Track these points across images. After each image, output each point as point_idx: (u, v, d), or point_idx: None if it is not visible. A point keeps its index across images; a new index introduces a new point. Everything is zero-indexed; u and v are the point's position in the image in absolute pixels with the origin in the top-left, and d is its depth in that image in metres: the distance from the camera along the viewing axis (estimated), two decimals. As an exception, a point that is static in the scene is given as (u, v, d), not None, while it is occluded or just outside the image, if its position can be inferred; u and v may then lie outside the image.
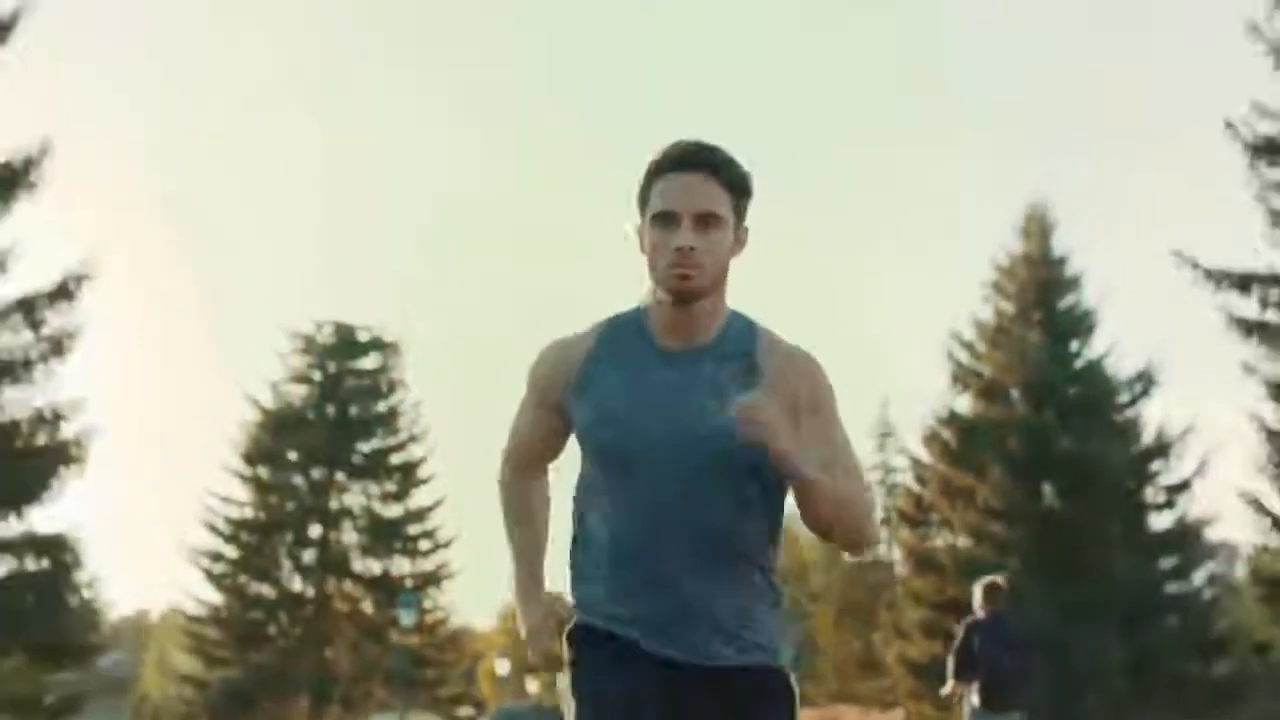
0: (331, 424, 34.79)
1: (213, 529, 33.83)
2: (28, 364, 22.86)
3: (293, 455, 34.68)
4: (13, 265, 22.91)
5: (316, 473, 34.65)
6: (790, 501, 2.62)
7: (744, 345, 2.59)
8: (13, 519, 22.79)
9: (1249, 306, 23.94)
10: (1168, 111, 75.85)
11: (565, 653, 2.65)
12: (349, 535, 34.75)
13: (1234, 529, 43.55)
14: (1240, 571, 33.71)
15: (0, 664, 22.43)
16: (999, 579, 10.12)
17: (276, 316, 63.74)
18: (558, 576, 2.76)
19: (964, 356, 29.69)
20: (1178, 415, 35.34)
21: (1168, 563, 28.15)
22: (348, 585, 34.70)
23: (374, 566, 34.76)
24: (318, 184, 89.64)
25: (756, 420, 2.41)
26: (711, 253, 2.53)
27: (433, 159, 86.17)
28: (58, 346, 23.00)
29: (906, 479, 33.85)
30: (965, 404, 29.68)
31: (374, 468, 35.00)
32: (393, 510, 35.08)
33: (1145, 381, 28.56)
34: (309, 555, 34.35)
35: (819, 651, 38.66)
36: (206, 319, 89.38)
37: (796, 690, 2.67)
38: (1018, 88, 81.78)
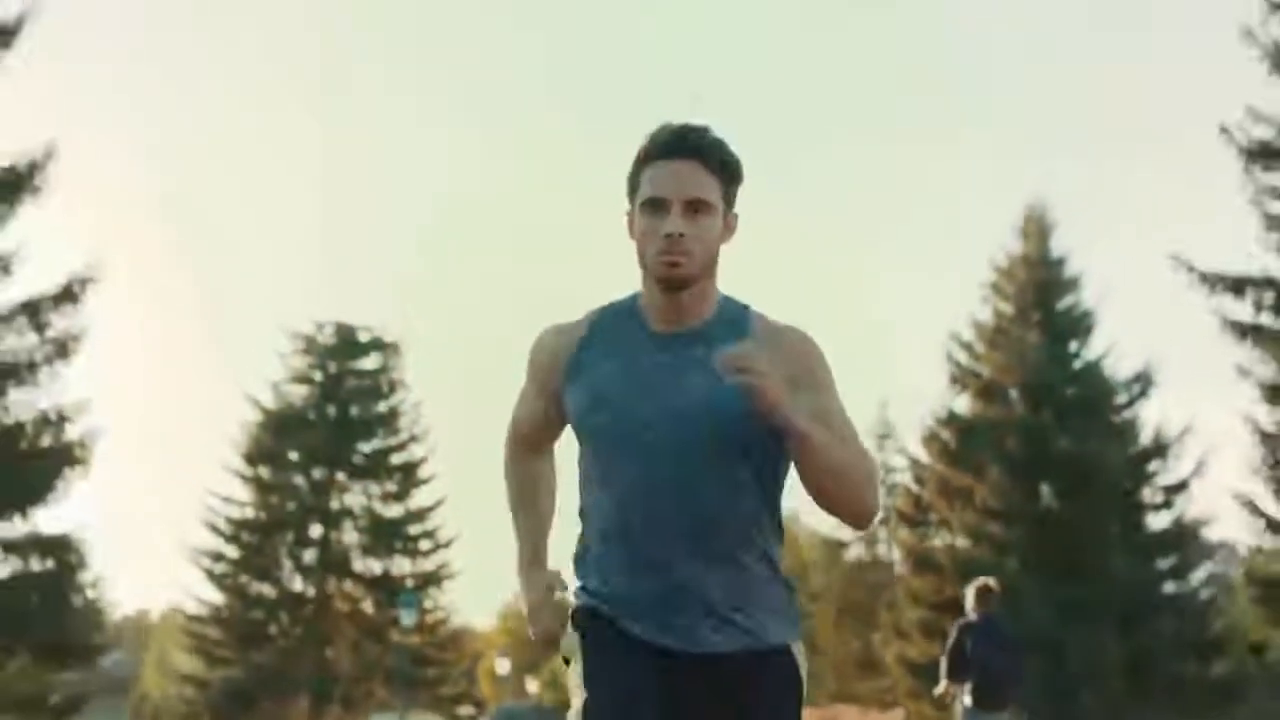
0: (332, 424, 34.89)
1: (213, 529, 33.92)
2: (32, 366, 22.97)
3: (293, 455, 34.76)
4: (17, 268, 23.04)
5: (317, 473, 34.73)
6: (788, 495, 2.63)
7: (737, 327, 2.58)
8: (17, 520, 22.91)
9: (1244, 310, 24.10)
10: (1167, 112, 76.02)
11: (572, 638, 2.65)
12: (350, 535, 34.82)
13: (1230, 530, 43.70)
14: (1238, 572, 33.81)
15: (5, 664, 22.49)
16: (990, 582, 10.27)
17: (277, 316, 63.91)
18: (564, 556, 2.77)
19: (963, 357, 29.81)
20: (1175, 416, 35.47)
21: (1165, 563, 28.24)
22: (348, 585, 34.77)
23: (374, 566, 34.84)
24: (318, 184, 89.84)
25: (745, 369, 2.37)
26: (701, 239, 2.53)
27: (433, 159, 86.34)
28: (62, 349, 23.12)
29: (905, 479, 33.99)
30: (964, 404, 29.82)
31: (375, 468, 35.09)
32: (393, 510, 35.16)
33: (1143, 382, 28.68)
34: (310, 555, 34.42)
35: (819, 651, 38.72)
36: (207, 319, 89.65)
37: (803, 671, 2.64)
38: (1018, 88, 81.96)
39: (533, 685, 54.43)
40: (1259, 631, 26.85)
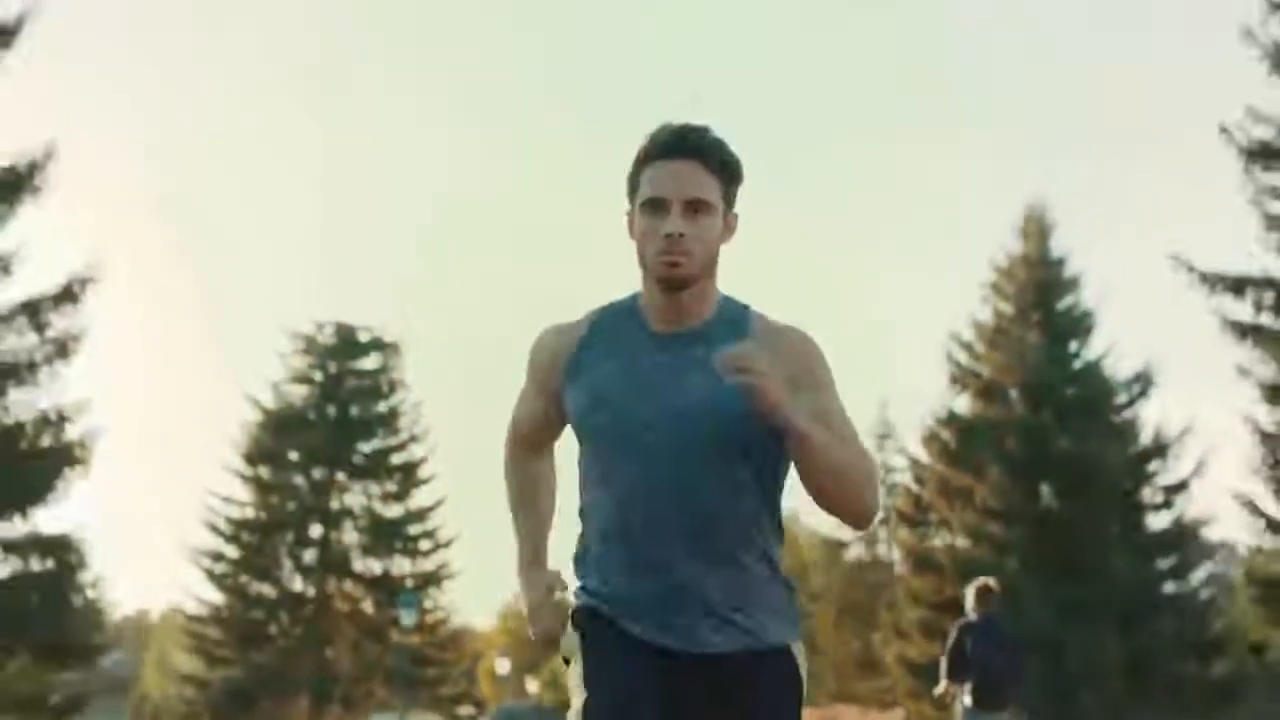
0: (332, 424, 34.91)
1: (214, 529, 33.93)
2: (32, 366, 22.99)
3: (294, 455, 34.78)
4: (17, 268, 23.06)
5: (317, 473, 34.75)
6: (788, 495, 2.63)
7: (737, 327, 2.58)
8: (18, 520, 22.93)
9: (1243, 310, 24.11)
10: (1167, 112, 76.06)
11: (572, 638, 2.65)
12: (350, 535, 34.84)
13: (1230, 530, 43.71)
14: (1238, 572, 33.83)
15: (6, 664, 22.51)
16: (990, 582, 10.29)
17: (277, 316, 63.97)
18: (564, 556, 2.77)
19: (963, 357, 29.82)
20: (1175, 416, 35.47)
21: (1165, 563, 28.24)
22: (348, 585, 34.79)
23: (374, 566, 34.86)
24: (318, 184, 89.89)
25: (745, 368, 2.36)
26: (701, 239, 2.53)
27: (433, 159, 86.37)
28: (62, 349, 23.13)
29: (905, 479, 34.00)
30: (964, 404, 29.82)
31: (375, 468, 35.11)
32: (393, 510, 35.18)
33: (1143, 382, 28.69)
34: (310, 555, 34.44)
35: (819, 651, 38.74)
36: (207, 319, 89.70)
37: (803, 671, 2.64)
38: (1018, 88, 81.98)
39: (533, 685, 54.45)
40: (1259, 631, 26.87)
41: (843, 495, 2.49)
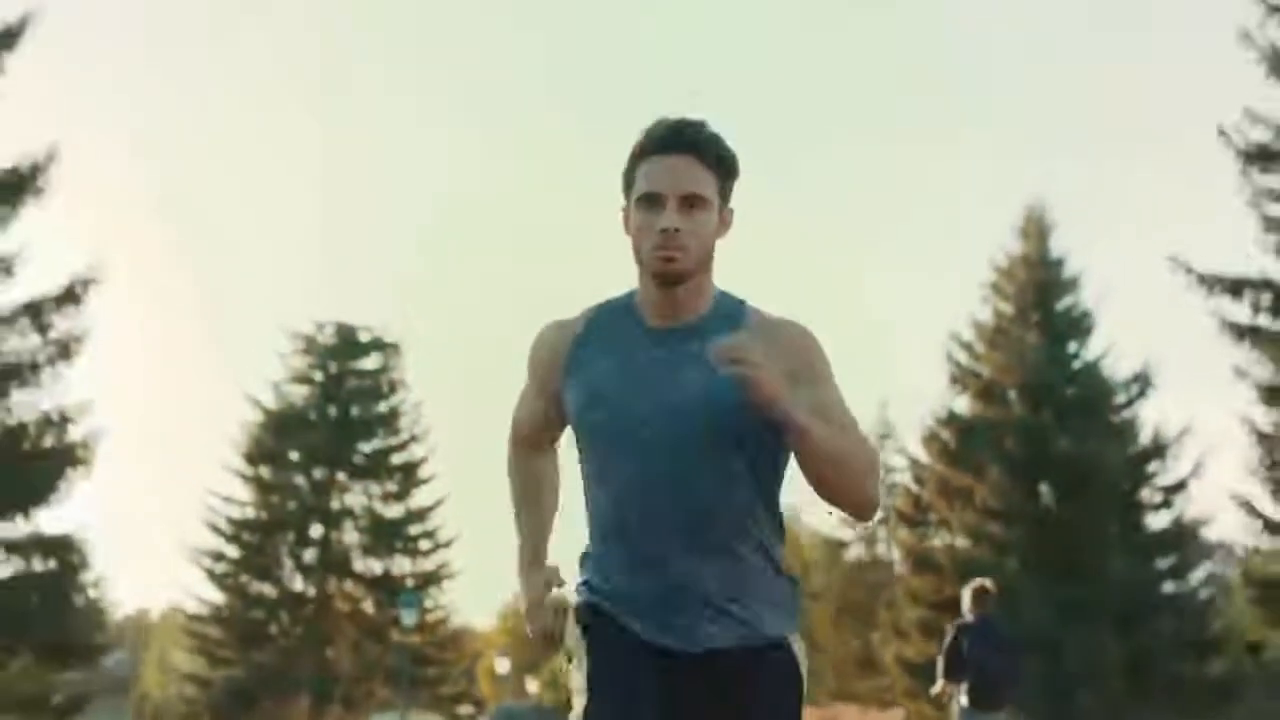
0: (333, 424, 34.96)
1: (214, 529, 33.97)
2: (35, 367, 23.06)
3: (294, 455, 34.83)
4: (20, 269, 23.14)
5: (318, 473, 34.79)
6: (789, 490, 2.63)
7: (733, 322, 2.57)
8: (20, 520, 23.00)
9: (1241, 311, 24.17)
10: (1167, 113, 76.01)
11: (575, 635, 2.65)
12: (350, 535, 34.88)
13: (1229, 530, 43.71)
14: (1236, 572, 33.91)
15: (7, 664, 22.58)
16: (987, 583, 10.34)
17: (277, 316, 63.98)
18: (567, 555, 2.79)
19: (962, 357, 29.88)
20: (1174, 417, 35.53)
21: (1164, 563, 28.29)
22: (349, 585, 34.83)
23: (375, 566, 34.89)
24: (318, 184, 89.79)
25: (739, 359, 2.35)
26: (696, 234, 2.52)
27: (433, 159, 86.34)
28: (64, 350, 23.20)
29: (905, 479, 34.04)
30: (963, 404, 29.87)
31: (375, 468, 35.16)
32: (394, 510, 35.22)
33: (1142, 383, 28.73)
34: (310, 555, 34.47)
35: (818, 650, 38.79)
36: (207, 319, 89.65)
37: (803, 666, 2.63)
38: (1018, 88, 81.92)
39: (533, 685, 54.47)
40: (1256, 631, 26.93)
41: (843, 485, 2.47)
